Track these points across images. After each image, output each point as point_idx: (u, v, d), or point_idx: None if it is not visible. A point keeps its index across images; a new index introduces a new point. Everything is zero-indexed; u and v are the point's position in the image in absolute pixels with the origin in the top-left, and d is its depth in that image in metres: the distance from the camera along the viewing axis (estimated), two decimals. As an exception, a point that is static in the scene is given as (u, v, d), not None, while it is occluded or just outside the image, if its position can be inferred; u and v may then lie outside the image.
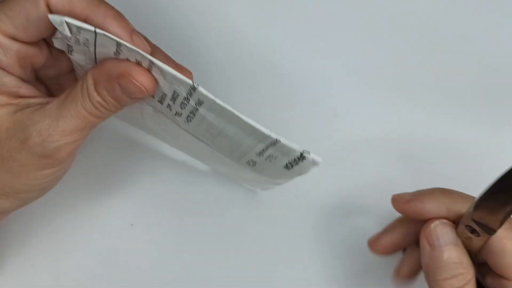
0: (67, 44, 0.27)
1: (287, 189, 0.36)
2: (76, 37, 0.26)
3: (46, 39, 0.28)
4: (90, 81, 0.26)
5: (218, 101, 0.25)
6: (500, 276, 0.27)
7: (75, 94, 0.27)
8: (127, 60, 0.25)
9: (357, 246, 0.35)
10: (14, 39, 0.27)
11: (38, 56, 0.28)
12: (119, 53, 0.25)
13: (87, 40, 0.25)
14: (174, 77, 0.25)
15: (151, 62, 0.25)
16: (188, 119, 0.27)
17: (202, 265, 0.36)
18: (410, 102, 0.37)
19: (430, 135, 0.36)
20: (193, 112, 0.26)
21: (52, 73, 0.30)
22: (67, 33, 0.25)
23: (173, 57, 0.29)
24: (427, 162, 0.36)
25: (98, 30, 0.24)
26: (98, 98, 0.26)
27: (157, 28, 0.35)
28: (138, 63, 0.25)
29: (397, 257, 0.31)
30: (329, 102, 0.37)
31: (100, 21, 0.25)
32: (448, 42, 0.37)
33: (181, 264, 0.36)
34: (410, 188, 0.35)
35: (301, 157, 0.25)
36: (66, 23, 0.24)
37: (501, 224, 0.25)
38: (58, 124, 0.26)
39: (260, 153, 0.27)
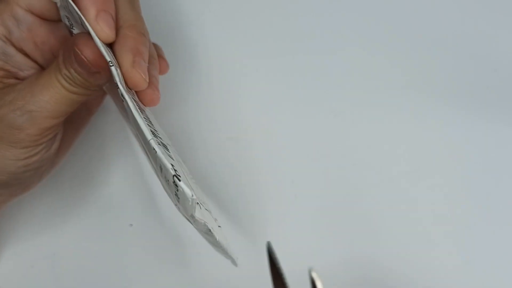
0: (66, 17, 0.26)
1: (287, 188, 0.36)
2: (66, 5, 0.25)
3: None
4: (60, 52, 0.26)
5: (120, 86, 0.23)
6: None
7: (51, 66, 0.26)
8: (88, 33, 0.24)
9: (357, 245, 0.35)
10: (29, 11, 0.26)
11: (56, 36, 0.27)
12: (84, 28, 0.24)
13: (72, 12, 0.25)
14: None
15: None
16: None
17: (201, 265, 0.36)
18: (410, 101, 0.37)
19: (430, 135, 0.36)
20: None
21: None
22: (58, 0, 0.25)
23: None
24: (427, 161, 0.36)
25: None
26: (64, 70, 0.25)
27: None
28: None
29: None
30: (328, 102, 0.37)
31: None
32: (448, 42, 0.37)
33: (180, 264, 0.36)
34: (413, 185, 0.36)
35: (174, 182, 0.22)
36: None
37: None
38: (32, 94, 0.25)
39: (162, 172, 0.24)
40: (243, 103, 0.37)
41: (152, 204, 0.36)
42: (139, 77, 0.25)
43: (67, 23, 0.27)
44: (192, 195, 0.22)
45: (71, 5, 0.23)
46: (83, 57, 0.24)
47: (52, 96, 0.25)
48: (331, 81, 0.37)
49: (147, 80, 0.25)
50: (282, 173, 0.36)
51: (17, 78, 0.27)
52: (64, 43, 0.25)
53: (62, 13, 0.26)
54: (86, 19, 0.24)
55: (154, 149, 0.22)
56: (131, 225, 0.36)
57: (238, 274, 0.34)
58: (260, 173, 0.36)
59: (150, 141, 0.22)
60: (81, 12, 0.24)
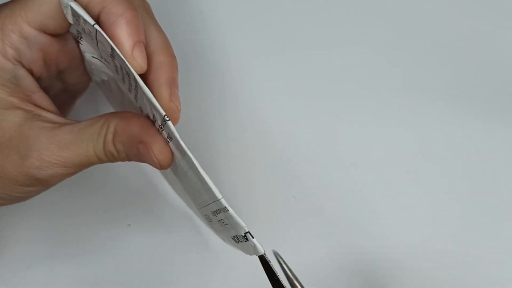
0: (77, 30, 0.25)
1: (285, 189, 0.36)
2: (83, 25, 0.24)
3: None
4: (111, 129, 0.25)
5: (182, 143, 0.23)
6: None
7: (91, 133, 0.25)
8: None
9: (356, 245, 0.35)
10: (42, 30, 0.25)
11: (64, 52, 0.27)
12: (114, 57, 0.24)
13: (90, 32, 0.24)
14: (151, 103, 0.23)
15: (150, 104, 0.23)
16: None
17: (200, 265, 0.36)
18: (409, 101, 0.37)
19: (429, 135, 0.36)
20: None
21: (70, 78, 0.29)
22: (70, 18, 0.23)
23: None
24: (426, 161, 0.36)
25: (96, 26, 0.22)
26: (112, 149, 0.25)
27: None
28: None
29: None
30: (327, 102, 0.37)
31: (112, 19, 0.23)
32: (448, 42, 0.37)
33: (180, 265, 0.36)
34: (412, 185, 0.36)
35: (245, 236, 0.23)
36: (70, 7, 0.23)
37: None
38: (62, 155, 0.25)
39: (214, 213, 0.25)
40: (241, 104, 0.37)
41: (151, 205, 0.36)
42: (175, 108, 0.25)
43: (75, 32, 0.26)
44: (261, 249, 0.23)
45: (102, 35, 0.22)
46: (155, 159, 0.24)
47: (82, 160, 0.25)
48: (330, 81, 0.37)
49: (180, 108, 0.25)
50: (280, 173, 0.36)
51: (31, 102, 0.26)
52: (124, 124, 0.25)
53: (73, 27, 0.25)
54: (122, 53, 0.23)
55: (225, 207, 0.23)
56: (129, 225, 0.36)
57: (237, 274, 0.34)
58: (258, 173, 0.36)
59: (221, 200, 0.23)
60: (115, 44, 0.23)
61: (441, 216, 0.35)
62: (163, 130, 0.24)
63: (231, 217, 0.23)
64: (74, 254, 0.36)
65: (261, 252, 0.23)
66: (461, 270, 0.35)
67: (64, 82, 0.29)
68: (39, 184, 0.26)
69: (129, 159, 0.25)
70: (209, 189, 0.23)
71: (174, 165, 0.26)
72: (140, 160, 0.25)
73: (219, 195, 0.23)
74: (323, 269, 0.35)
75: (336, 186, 0.36)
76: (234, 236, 0.24)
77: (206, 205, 0.25)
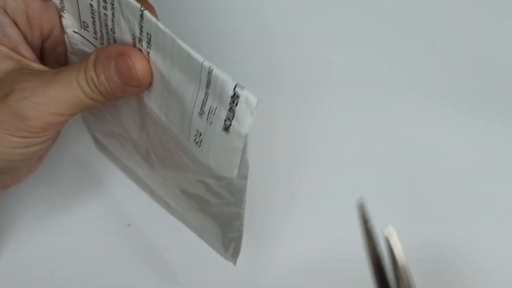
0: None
1: (284, 188, 0.36)
2: None
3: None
4: (92, 57, 0.25)
5: (160, 24, 0.22)
6: None
7: (73, 66, 0.25)
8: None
9: (355, 245, 0.35)
10: None
11: (46, 14, 0.27)
12: None
13: None
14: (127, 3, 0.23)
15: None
16: None
17: (200, 265, 0.36)
18: (409, 101, 0.37)
19: (428, 135, 0.36)
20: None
21: (53, 59, 0.29)
22: None
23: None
24: (425, 161, 0.36)
25: None
26: (92, 73, 0.24)
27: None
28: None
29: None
30: (326, 101, 0.37)
31: None
32: (447, 43, 0.37)
33: (179, 265, 0.36)
34: (411, 185, 0.36)
35: (234, 95, 0.21)
36: None
37: None
38: (44, 89, 0.24)
39: (201, 111, 0.23)
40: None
41: (150, 205, 0.36)
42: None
43: (59, 4, 0.26)
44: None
45: None
46: (134, 70, 0.24)
47: (65, 95, 0.25)
48: (330, 80, 0.37)
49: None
50: (279, 173, 0.36)
51: (18, 52, 0.26)
52: (103, 49, 0.25)
53: None
54: None
55: (210, 67, 0.21)
56: (129, 225, 0.36)
57: (237, 274, 0.34)
58: (257, 173, 0.36)
59: (204, 62, 0.21)
60: None
61: (442, 215, 0.35)
62: (141, 45, 0.24)
63: (216, 79, 0.21)
64: (74, 254, 0.36)
65: (255, 101, 0.21)
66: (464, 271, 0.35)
67: (46, 54, 0.29)
68: (23, 128, 0.24)
69: (110, 83, 0.25)
70: (191, 62, 0.22)
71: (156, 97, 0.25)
72: (120, 77, 0.24)
73: (200, 58, 0.21)
74: (323, 269, 0.35)
75: (336, 186, 0.36)
76: (225, 120, 0.22)
77: (193, 110, 0.23)
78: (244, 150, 0.22)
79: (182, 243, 0.36)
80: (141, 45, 0.24)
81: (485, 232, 0.35)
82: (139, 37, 0.24)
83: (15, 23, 0.26)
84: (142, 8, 0.23)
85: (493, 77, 0.37)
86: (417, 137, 0.36)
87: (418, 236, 0.35)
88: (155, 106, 0.26)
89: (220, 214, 0.28)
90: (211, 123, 0.23)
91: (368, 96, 0.37)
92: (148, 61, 0.24)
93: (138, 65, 0.24)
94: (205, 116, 0.23)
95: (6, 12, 0.26)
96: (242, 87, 0.21)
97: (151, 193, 0.35)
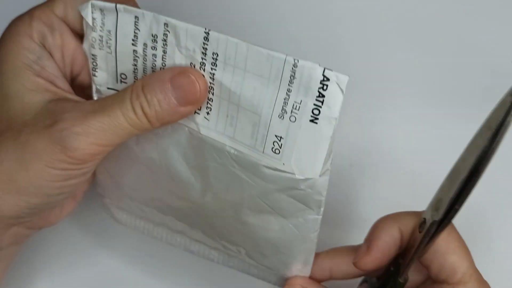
0: (92, 55, 0.27)
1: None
2: (100, 34, 0.25)
3: None
4: (138, 84, 0.25)
5: (231, 38, 0.22)
6: (441, 283, 0.26)
7: (116, 97, 0.25)
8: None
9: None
10: (64, 21, 0.26)
11: (79, 53, 0.27)
12: (137, 36, 0.25)
13: (109, 32, 0.25)
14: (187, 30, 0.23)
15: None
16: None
17: (199, 265, 0.36)
18: (407, 102, 0.37)
19: (427, 135, 0.36)
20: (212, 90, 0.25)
21: (79, 89, 0.29)
22: (89, 19, 0.25)
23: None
24: (424, 161, 0.36)
25: (119, 5, 0.24)
26: (142, 98, 0.24)
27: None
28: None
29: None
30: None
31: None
32: (447, 43, 0.37)
33: (179, 265, 0.36)
34: (411, 185, 0.36)
35: (324, 79, 0.21)
36: (92, 5, 0.25)
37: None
38: (86, 118, 0.24)
39: (283, 111, 0.23)
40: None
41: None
42: None
43: (91, 63, 0.27)
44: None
45: (129, 9, 0.24)
46: (197, 84, 0.24)
47: (106, 124, 0.24)
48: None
49: None
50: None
51: (55, 85, 0.26)
52: (149, 75, 0.25)
53: (88, 46, 0.27)
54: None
55: (294, 59, 0.22)
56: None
57: (236, 274, 0.34)
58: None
59: (287, 57, 0.22)
60: None
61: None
62: (203, 69, 0.24)
63: (302, 69, 0.21)
64: (73, 254, 0.36)
65: (345, 78, 0.22)
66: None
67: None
68: (63, 159, 0.24)
69: (163, 107, 0.24)
70: (271, 62, 0.22)
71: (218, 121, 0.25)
72: (180, 96, 0.24)
73: (282, 56, 0.22)
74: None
75: (336, 186, 0.36)
76: (312, 110, 0.22)
77: (271, 115, 0.23)
78: (333, 137, 0.23)
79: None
80: (203, 69, 0.24)
81: (488, 234, 0.35)
82: (201, 62, 0.24)
83: (52, 57, 0.27)
84: (206, 30, 0.23)
85: (493, 78, 0.37)
86: (418, 138, 0.36)
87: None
88: (217, 133, 0.26)
89: (289, 231, 0.27)
90: (295, 120, 0.23)
91: (367, 96, 0.37)
92: (205, 80, 0.24)
93: (201, 79, 0.24)
94: (287, 116, 0.23)
95: (44, 46, 0.26)
96: (330, 69, 0.21)
97: (188, 244, 0.33)
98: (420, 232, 0.25)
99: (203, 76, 0.24)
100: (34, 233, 0.29)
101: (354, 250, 0.28)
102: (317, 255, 0.29)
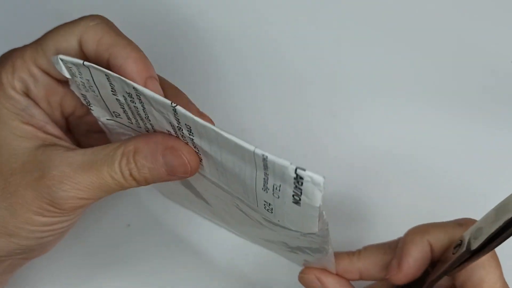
0: (82, 95, 0.27)
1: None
2: (81, 80, 0.25)
3: None
4: (130, 148, 0.25)
5: (197, 119, 0.22)
6: None
7: (106, 154, 0.25)
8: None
9: (357, 245, 0.35)
10: (46, 73, 0.26)
11: (67, 98, 0.28)
12: (115, 91, 0.24)
13: (88, 81, 0.25)
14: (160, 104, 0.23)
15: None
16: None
17: (199, 266, 0.36)
18: (407, 102, 0.37)
19: (427, 136, 0.36)
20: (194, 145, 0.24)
21: (83, 128, 0.29)
22: (66, 73, 0.25)
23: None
24: (424, 161, 0.36)
25: (86, 63, 0.23)
26: (132, 165, 0.25)
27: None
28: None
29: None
30: (326, 102, 0.37)
31: (120, 62, 0.24)
32: (446, 43, 0.37)
33: (178, 265, 0.36)
34: (410, 185, 0.36)
35: (297, 177, 0.20)
36: (61, 60, 0.24)
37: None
38: (74, 175, 0.25)
39: (265, 187, 0.22)
40: (240, 103, 0.37)
41: (149, 205, 0.36)
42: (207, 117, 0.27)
43: (82, 99, 0.27)
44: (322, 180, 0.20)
45: (97, 69, 0.23)
46: (187, 160, 0.24)
47: (94, 184, 0.25)
48: (330, 81, 0.38)
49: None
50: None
51: (45, 131, 0.27)
52: (143, 140, 0.25)
53: (75, 88, 0.27)
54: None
55: (263, 155, 0.20)
56: (129, 225, 0.36)
57: (236, 274, 0.34)
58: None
59: (255, 150, 0.20)
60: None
61: (443, 216, 0.35)
62: (182, 133, 0.24)
63: (274, 164, 0.20)
64: (73, 255, 0.36)
65: (321, 180, 0.20)
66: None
67: (73, 125, 0.30)
68: (52, 210, 0.25)
69: (152, 174, 0.25)
70: (240, 149, 0.21)
71: (211, 171, 0.25)
72: (169, 169, 0.25)
73: (250, 147, 0.20)
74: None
75: (336, 186, 0.36)
76: (293, 195, 0.21)
77: (256, 187, 0.23)
78: (320, 215, 0.22)
79: (182, 243, 0.36)
80: (182, 133, 0.24)
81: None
82: (178, 126, 0.23)
83: (38, 105, 0.27)
84: (173, 105, 0.22)
85: (492, 78, 0.37)
86: (418, 138, 0.36)
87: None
88: (213, 177, 0.26)
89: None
90: (278, 197, 0.22)
91: (366, 97, 0.37)
92: (196, 152, 0.24)
93: (191, 158, 0.24)
94: (270, 192, 0.22)
95: (28, 96, 0.26)
96: (303, 169, 0.20)
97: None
98: (453, 253, 0.25)
99: (194, 151, 0.24)
100: (28, 261, 0.30)
101: (385, 251, 0.28)
102: (347, 254, 0.29)
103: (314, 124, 0.37)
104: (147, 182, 0.26)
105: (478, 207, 0.35)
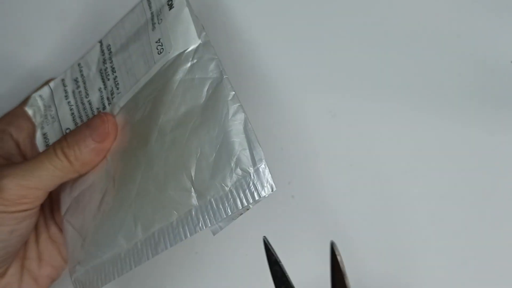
0: (43, 135, 0.33)
1: (284, 189, 0.36)
2: (44, 114, 0.33)
3: None
4: (61, 137, 0.30)
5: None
6: None
7: (46, 149, 0.29)
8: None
9: (354, 245, 0.35)
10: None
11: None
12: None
13: (50, 107, 0.33)
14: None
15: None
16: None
17: (199, 265, 0.36)
18: (407, 102, 0.37)
19: (427, 136, 0.36)
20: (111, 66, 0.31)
21: None
22: (31, 112, 0.33)
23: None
24: (424, 161, 0.36)
25: (50, 82, 0.33)
26: (63, 143, 0.28)
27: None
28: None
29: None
30: (326, 102, 0.37)
31: None
32: (446, 43, 0.37)
33: (180, 265, 0.36)
34: (410, 185, 0.36)
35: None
36: (33, 97, 0.34)
37: None
38: (15, 165, 0.28)
39: (153, 23, 0.29)
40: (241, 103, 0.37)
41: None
42: None
43: (43, 143, 0.33)
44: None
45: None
46: (106, 123, 0.29)
47: (35, 170, 0.28)
48: (330, 81, 0.37)
49: None
50: (279, 174, 0.36)
51: (11, 160, 0.31)
52: (77, 128, 0.29)
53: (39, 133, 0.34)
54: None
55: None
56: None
57: (236, 274, 0.34)
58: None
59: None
60: None
61: (440, 217, 0.35)
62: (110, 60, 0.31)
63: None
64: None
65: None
66: (459, 271, 0.35)
67: None
68: (1, 201, 0.27)
69: (80, 146, 0.29)
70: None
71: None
72: (92, 136, 0.29)
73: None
74: (323, 269, 0.35)
75: (335, 186, 0.36)
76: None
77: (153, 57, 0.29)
78: (190, 9, 0.28)
79: (182, 243, 0.36)
80: (111, 59, 0.31)
81: (483, 233, 0.35)
82: (103, 58, 0.30)
83: (17, 141, 0.32)
84: (99, 41, 0.31)
85: (491, 78, 0.37)
86: (417, 138, 0.36)
87: (419, 235, 0.35)
88: (126, 93, 0.30)
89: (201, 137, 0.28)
90: (160, 21, 0.28)
91: (366, 97, 0.37)
92: (113, 118, 0.30)
93: (108, 116, 0.29)
94: (156, 23, 0.28)
95: (9, 132, 0.32)
96: None
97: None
98: None
99: (112, 117, 0.30)
100: None
101: None
102: None
103: (314, 124, 0.37)
104: (77, 158, 0.28)
105: (478, 206, 0.35)
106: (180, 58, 0.27)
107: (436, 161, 0.36)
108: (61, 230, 0.33)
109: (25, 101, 0.34)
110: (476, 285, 0.34)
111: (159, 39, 0.28)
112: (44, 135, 0.33)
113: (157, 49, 0.28)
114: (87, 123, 0.29)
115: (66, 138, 0.29)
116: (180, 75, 0.27)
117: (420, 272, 0.35)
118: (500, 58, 0.37)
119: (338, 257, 0.26)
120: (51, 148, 0.29)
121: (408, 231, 0.35)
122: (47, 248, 0.32)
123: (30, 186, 0.28)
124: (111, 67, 0.30)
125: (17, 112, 0.33)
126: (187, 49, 0.27)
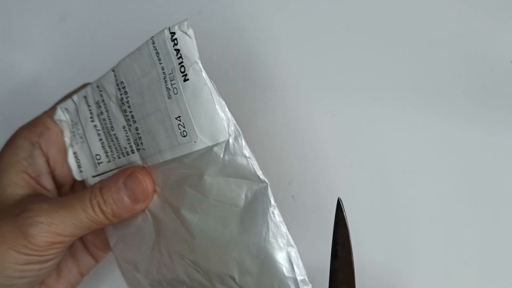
0: (74, 154, 0.32)
1: (284, 189, 0.36)
2: (72, 131, 0.31)
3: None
4: (97, 185, 0.28)
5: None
6: None
7: (79, 194, 0.28)
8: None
9: (357, 245, 0.35)
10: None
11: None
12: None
13: (76, 124, 0.31)
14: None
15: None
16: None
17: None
18: (407, 102, 0.37)
19: (427, 136, 0.36)
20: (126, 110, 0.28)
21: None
22: (60, 123, 0.31)
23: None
24: (424, 161, 0.36)
25: (73, 96, 0.30)
26: (99, 198, 0.28)
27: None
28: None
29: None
30: (326, 102, 0.37)
31: None
32: (445, 43, 0.37)
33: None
34: (409, 185, 0.36)
35: (172, 35, 0.24)
36: (60, 108, 0.31)
37: None
38: (49, 211, 0.27)
39: (167, 90, 0.26)
40: (240, 105, 0.37)
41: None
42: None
43: (76, 168, 0.32)
44: None
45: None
46: (144, 183, 0.28)
47: (67, 217, 0.27)
48: (329, 81, 0.37)
49: None
50: (279, 173, 0.36)
51: (38, 182, 0.30)
52: (108, 178, 0.29)
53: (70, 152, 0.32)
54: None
55: (150, 39, 0.25)
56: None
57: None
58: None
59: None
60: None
61: (440, 217, 0.35)
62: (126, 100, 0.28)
63: (158, 39, 0.25)
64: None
65: (185, 22, 0.24)
66: (459, 270, 0.35)
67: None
68: (25, 245, 0.26)
69: (117, 204, 0.28)
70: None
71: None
72: (129, 196, 0.28)
73: (144, 44, 0.26)
74: (323, 269, 0.35)
75: (335, 186, 0.36)
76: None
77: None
78: (208, 85, 0.24)
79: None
80: (127, 101, 0.28)
81: (481, 232, 0.35)
82: (119, 97, 0.28)
83: (47, 156, 0.31)
84: (112, 69, 0.28)
85: (491, 78, 0.37)
86: (416, 137, 0.36)
87: (415, 236, 0.35)
88: (155, 157, 0.28)
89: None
90: (177, 91, 0.25)
91: (366, 97, 0.37)
92: (152, 177, 0.28)
93: (147, 179, 0.28)
94: (171, 91, 0.25)
95: (39, 145, 0.30)
96: (173, 26, 0.24)
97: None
98: None
99: (150, 174, 0.28)
100: None
101: None
102: None
103: (314, 124, 0.37)
104: (114, 215, 0.28)
105: (478, 206, 0.35)
106: (209, 154, 0.25)
107: (436, 161, 0.36)
108: (83, 245, 0.33)
109: (51, 111, 0.32)
110: (476, 283, 0.34)
111: (179, 117, 0.25)
112: (75, 155, 0.32)
113: (179, 128, 0.26)
114: (125, 181, 0.28)
115: (102, 192, 0.28)
116: (211, 172, 0.26)
117: (420, 271, 0.35)
118: (500, 58, 0.37)
119: (344, 213, 0.28)
120: (87, 200, 0.28)
121: (408, 231, 0.35)
122: (66, 265, 0.32)
123: (63, 234, 0.27)
124: (131, 113, 0.28)
125: (47, 123, 0.31)
126: (216, 144, 0.25)
